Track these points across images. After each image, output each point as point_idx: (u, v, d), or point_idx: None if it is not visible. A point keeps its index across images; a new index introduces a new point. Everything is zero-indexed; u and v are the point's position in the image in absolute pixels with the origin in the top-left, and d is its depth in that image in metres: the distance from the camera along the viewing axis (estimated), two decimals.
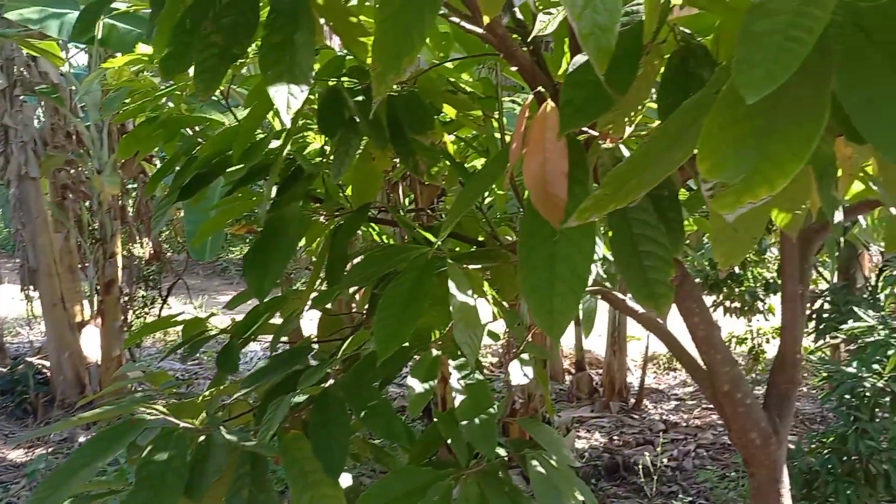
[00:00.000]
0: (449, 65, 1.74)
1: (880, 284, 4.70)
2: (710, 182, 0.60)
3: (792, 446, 3.90)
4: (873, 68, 0.65)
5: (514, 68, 1.33)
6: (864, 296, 4.66)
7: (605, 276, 1.59)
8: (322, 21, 1.36)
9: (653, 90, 1.10)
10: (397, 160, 1.71)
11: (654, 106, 1.09)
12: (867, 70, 0.64)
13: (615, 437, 5.58)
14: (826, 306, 4.83)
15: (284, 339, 1.96)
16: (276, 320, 1.90)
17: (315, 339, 1.89)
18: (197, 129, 1.99)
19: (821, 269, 6.49)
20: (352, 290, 2.02)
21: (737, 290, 6.23)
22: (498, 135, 1.80)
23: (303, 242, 2.06)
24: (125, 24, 4.86)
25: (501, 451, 1.48)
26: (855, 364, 3.43)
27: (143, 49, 1.88)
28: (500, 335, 1.69)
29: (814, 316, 4.85)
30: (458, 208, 1.14)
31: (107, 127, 5.87)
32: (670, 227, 1.10)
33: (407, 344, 1.58)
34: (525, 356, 1.62)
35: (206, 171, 1.71)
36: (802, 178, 1.18)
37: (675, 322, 1.41)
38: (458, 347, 1.34)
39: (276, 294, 1.94)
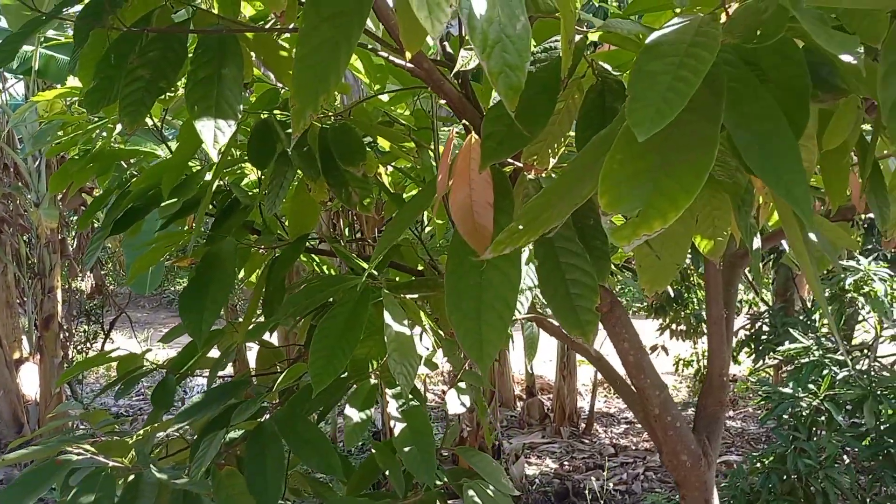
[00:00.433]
0: (384, 97, 1.76)
1: (815, 307, 4.85)
2: (610, 214, 0.63)
3: (735, 467, 3.97)
4: (762, 107, 0.68)
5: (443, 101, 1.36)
6: (801, 317, 4.80)
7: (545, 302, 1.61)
8: (253, 55, 1.37)
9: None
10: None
11: None
12: (756, 108, 0.68)
13: (566, 463, 5.60)
14: (765, 328, 4.96)
15: (226, 371, 1.93)
16: (215, 353, 1.88)
17: (253, 373, 1.87)
18: (132, 161, 1.97)
19: (765, 292, 6.67)
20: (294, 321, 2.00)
21: (682, 313, 6.36)
22: (435, 164, 1.82)
23: (242, 275, 2.05)
24: (64, 56, 4.79)
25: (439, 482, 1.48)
26: (791, 384, 3.52)
27: (74, 82, 1.85)
28: (437, 364, 1.70)
29: (753, 338, 4.97)
30: (387, 239, 1.15)
31: (44, 159, 5.74)
32: (595, 255, 1.13)
33: (345, 374, 1.58)
34: (462, 385, 1.63)
35: (140, 204, 1.70)
36: (723, 207, 1.23)
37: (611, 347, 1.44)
38: None
39: (220, 325, 1.91)
